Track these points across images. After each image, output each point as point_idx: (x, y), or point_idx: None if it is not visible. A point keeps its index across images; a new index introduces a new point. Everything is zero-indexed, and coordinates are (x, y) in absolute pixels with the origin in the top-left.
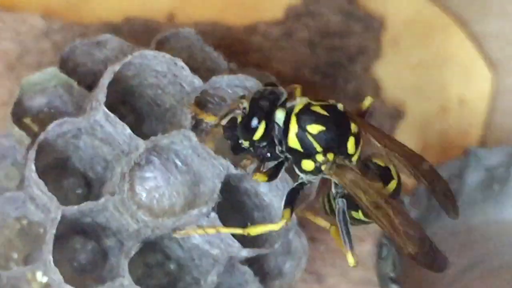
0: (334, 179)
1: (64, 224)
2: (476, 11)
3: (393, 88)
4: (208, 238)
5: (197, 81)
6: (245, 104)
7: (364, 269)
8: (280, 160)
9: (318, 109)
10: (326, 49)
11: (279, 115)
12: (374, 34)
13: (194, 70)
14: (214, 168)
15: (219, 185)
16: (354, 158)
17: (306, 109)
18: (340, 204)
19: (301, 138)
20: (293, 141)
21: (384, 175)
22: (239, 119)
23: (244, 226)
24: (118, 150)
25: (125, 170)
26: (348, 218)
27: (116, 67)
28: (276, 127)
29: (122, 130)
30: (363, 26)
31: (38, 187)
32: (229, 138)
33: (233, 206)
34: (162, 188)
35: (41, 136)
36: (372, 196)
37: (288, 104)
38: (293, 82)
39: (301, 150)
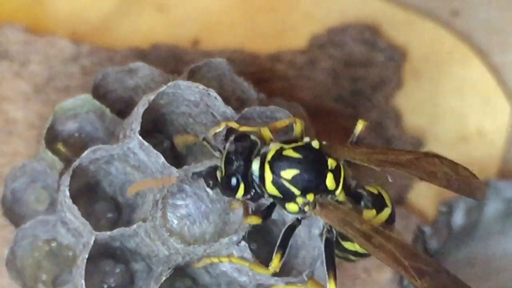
0: (321, 219)
1: (94, 248)
2: (496, 43)
3: (414, 117)
4: (237, 265)
5: (229, 111)
6: (221, 164)
7: None
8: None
9: (290, 153)
10: (349, 78)
11: (254, 167)
12: (396, 65)
13: (224, 99)
14: None
15: None
16: (338, 193)
17: (278, 155)
18: (328, 234)
19: (277, 184)
20: (270, 189)
21: (378, 202)
22: (219, 178)
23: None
24: (150, 177)
25: (157, 197)
26: (334, 249)
27: (151, 96)
28: (255, 178)
29: (156, 159)
30: (385, 57)
31: (71, 212)
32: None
33: (261, 235)
34: (193, 216)
35: (76, 162)
36: (364, 228)
37: (263, 150)
38: (315, 110)
39: (281, 196)
